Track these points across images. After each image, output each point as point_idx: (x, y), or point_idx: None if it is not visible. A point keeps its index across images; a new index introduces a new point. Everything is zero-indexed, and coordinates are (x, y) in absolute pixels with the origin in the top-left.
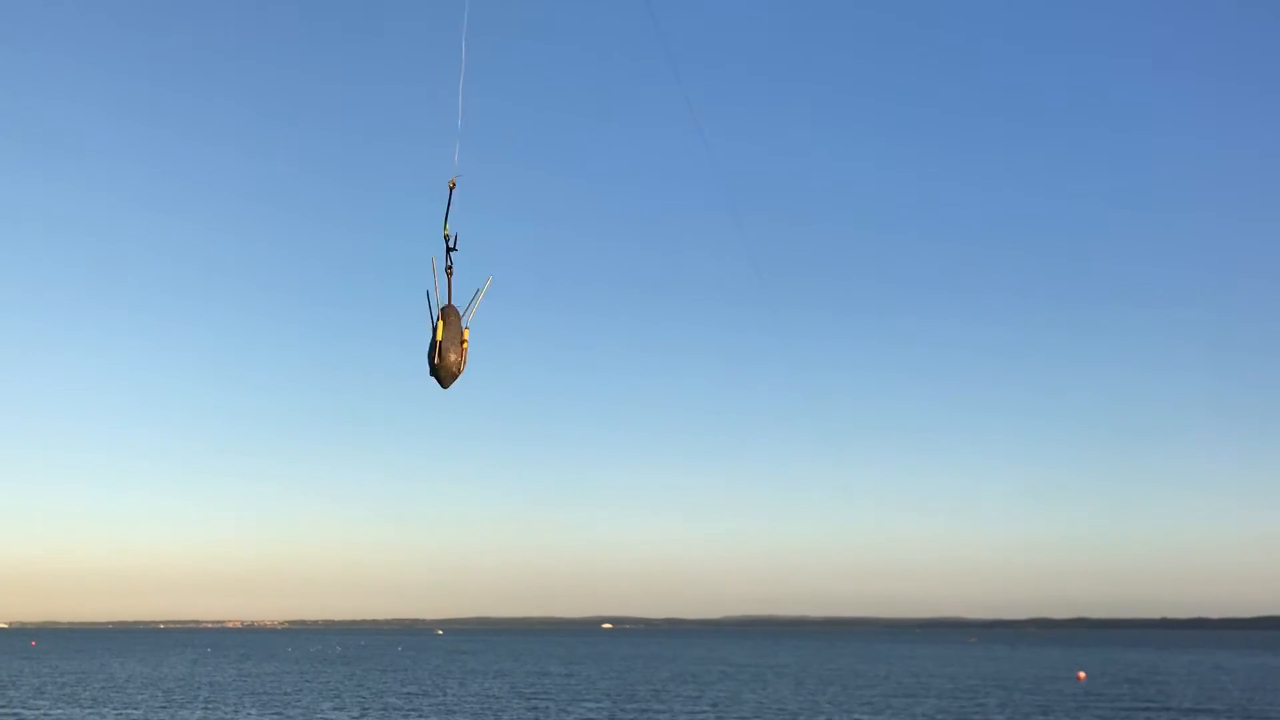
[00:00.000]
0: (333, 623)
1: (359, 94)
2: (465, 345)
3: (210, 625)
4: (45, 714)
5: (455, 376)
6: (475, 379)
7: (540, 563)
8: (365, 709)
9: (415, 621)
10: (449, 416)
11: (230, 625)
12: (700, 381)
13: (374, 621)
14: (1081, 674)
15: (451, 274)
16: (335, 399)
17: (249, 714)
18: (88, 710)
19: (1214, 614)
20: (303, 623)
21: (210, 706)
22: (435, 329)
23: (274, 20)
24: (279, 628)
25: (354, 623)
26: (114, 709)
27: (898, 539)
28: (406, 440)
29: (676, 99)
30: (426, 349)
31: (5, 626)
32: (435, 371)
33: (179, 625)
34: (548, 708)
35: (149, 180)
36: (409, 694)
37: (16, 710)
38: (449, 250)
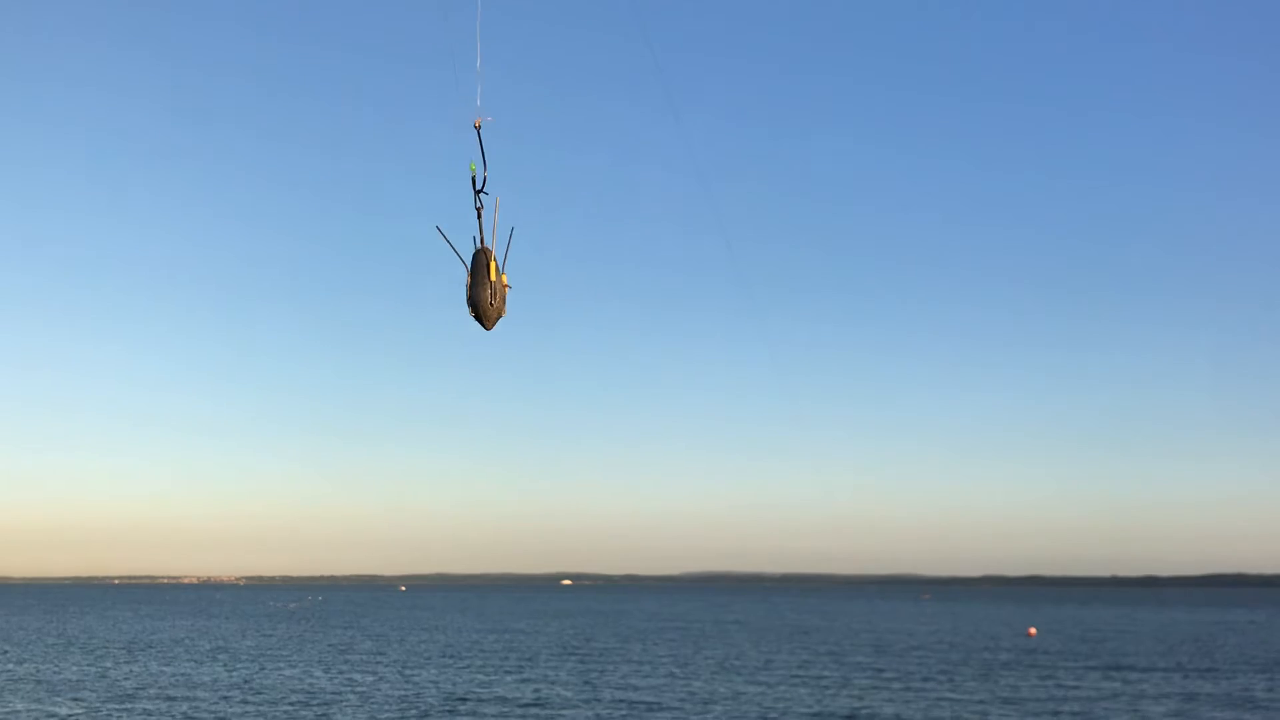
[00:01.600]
0: (290, 578)
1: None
2: (502, 287)
3: (166, 580)
4: (10, 670)
5: (492, 319)
6: (441, 340)
7: (500, 519)
8: (328, 665)
9: (374, 577)
10: (409, 377)
11: (186, 581)
12: (663, 341)
13: (332, 578)
14: (1032, 630)
15: (481, 214)
16: (296, 358)
17: (208, 669)
18: (43, 665)
19: (1164, 572)
20: (260, 578)
21: (167, 662)
22: (470, 274)
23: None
24: (236, 583)
25: (312, 579)
26: (74, 664)
27: (854, 498)
28: (367, 399)
29: (655, 88)
30: (465, 289)
31: None
32: (477, 314)
33: (134, 580)
34: (511, 662)
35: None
36: (370, 650)
37: None
38: (477, 191)
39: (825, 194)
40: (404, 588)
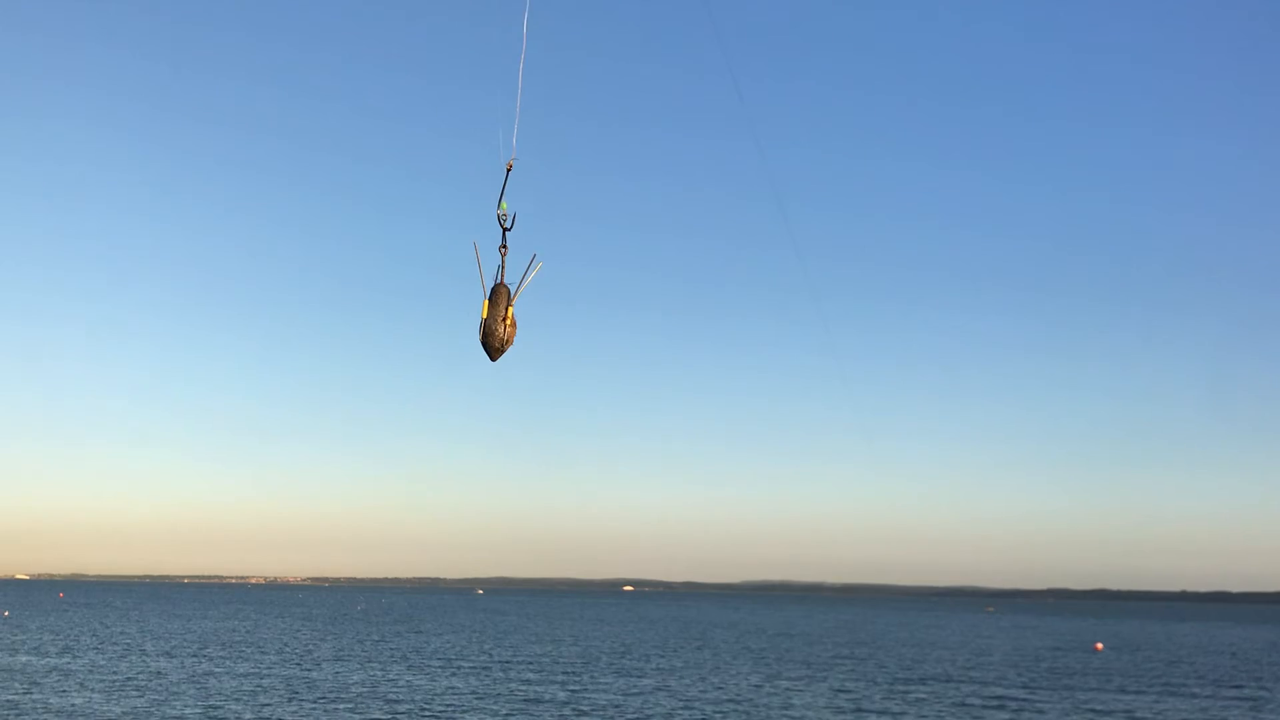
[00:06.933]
0: (355, 580)
1: (390, 84)
2: (510, 324)
3: (234, 580)
4: (92, 664)
5: (500, 351)
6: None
7: (563, 525)
8: (411, 666)
9: (437, 580)
10: (475, 382)
11: (253, 581)
12: (724, 348)
13: (395, 580)
14: (1099, 645)
15: (505, 253)
16: (364, 363)
17: (281, 668)
18: (125, 661)
19: (1234, 588)
20: (325, 579)
21: (238, 659)
22: (482, 306)
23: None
24: (301, 584)
25: (375, 580)
26: (153, 657)
27: (916, 507)
28: (433, 404)
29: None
30: (480, 317)
31: (28, 578)
32: (485, 345)
33: (203, 580)
34: (607, 667)
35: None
36: (449, 654)
37: (75, 656)
38: (504, 230)
39: (891, 214)
40: (481, 590)
